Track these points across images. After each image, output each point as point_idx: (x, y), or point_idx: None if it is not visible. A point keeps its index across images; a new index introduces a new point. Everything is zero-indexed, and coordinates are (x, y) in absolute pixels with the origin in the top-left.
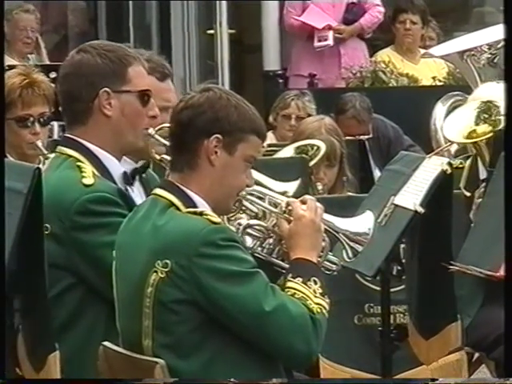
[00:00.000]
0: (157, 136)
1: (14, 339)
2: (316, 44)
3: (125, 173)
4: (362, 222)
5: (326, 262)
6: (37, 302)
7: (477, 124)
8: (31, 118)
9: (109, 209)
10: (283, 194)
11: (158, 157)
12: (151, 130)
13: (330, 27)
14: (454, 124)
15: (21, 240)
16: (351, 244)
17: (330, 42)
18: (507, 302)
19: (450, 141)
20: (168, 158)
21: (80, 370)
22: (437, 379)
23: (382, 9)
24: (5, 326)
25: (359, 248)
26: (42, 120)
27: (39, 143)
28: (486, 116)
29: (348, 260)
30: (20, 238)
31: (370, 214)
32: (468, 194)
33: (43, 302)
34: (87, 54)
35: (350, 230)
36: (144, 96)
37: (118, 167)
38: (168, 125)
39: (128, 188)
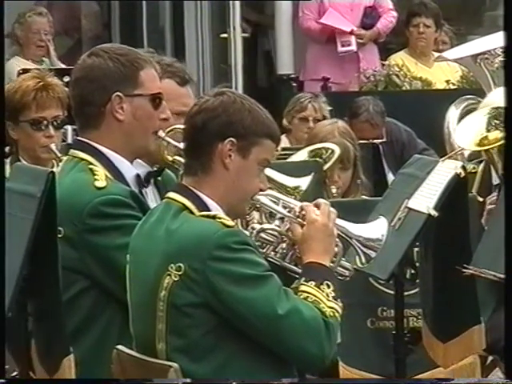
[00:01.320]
0: (167, 138)
1: (28, 343)
2: (340, 49)
3: (137, 175)
4: (376, 228)
5: (339, 268)
6: (51, 305)
7: (488, 130)
8: (45, 121)
9: (121, 211)
10: (295, 189)
11: (170, 158)
12: (161, 133)
13: (352, 32)
14: (466, 131)
15: (35, 244)
16: (364, 250)
17: (354, 47)
18: (507, 303)
19: (462, 148)
20: (180, 159)
21: (94, 372)
22: (442, 379)
23: (395, 13)
24: (5, 325)
25: (372, 254)
26: (56, 123)
27: (53, 146)
28: (497, 122)
29: (361, 266)
30: (34, 241)
31: (383, 219)
32: (481, 199)
33: (57, 305)
34: (99, 57)
35: (363, 236)
36: (156, 99)
37: (130, 169)
38: (179, 126)
39: (142, 190)
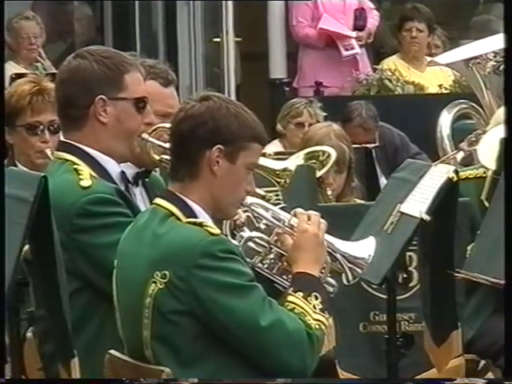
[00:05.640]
0: (151, 139)
1: (20, 347)
2: (345, 53)
3: (122, 172)
4: (363, 247)
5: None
6: (53, 308)
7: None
8: (41, 126)
9: (108, 209)
10: (284, 170)
11: (157, 157)
12: (145, 135)
13: (351, 35)
14: (489, 151)
15: (30, 248)
16: (350, 266)
17: (358, 50)
18: (507, 306)
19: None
20: (168, 157)
21: (88, 372)
22: (432, 379)
23: (377, 12)
24: (4, 326)
25: (358, 270)
26: (52, 128)
27: (48, 151)
28: None
29: (347, 283)
30: (32, 246)
31: (372, 239)
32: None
33: (60, 308)
34: (84, 59)
35: (349, 253)
36: (140, 103)
37: (115, 167)
38: (163, 125)
39: (128, 186)
